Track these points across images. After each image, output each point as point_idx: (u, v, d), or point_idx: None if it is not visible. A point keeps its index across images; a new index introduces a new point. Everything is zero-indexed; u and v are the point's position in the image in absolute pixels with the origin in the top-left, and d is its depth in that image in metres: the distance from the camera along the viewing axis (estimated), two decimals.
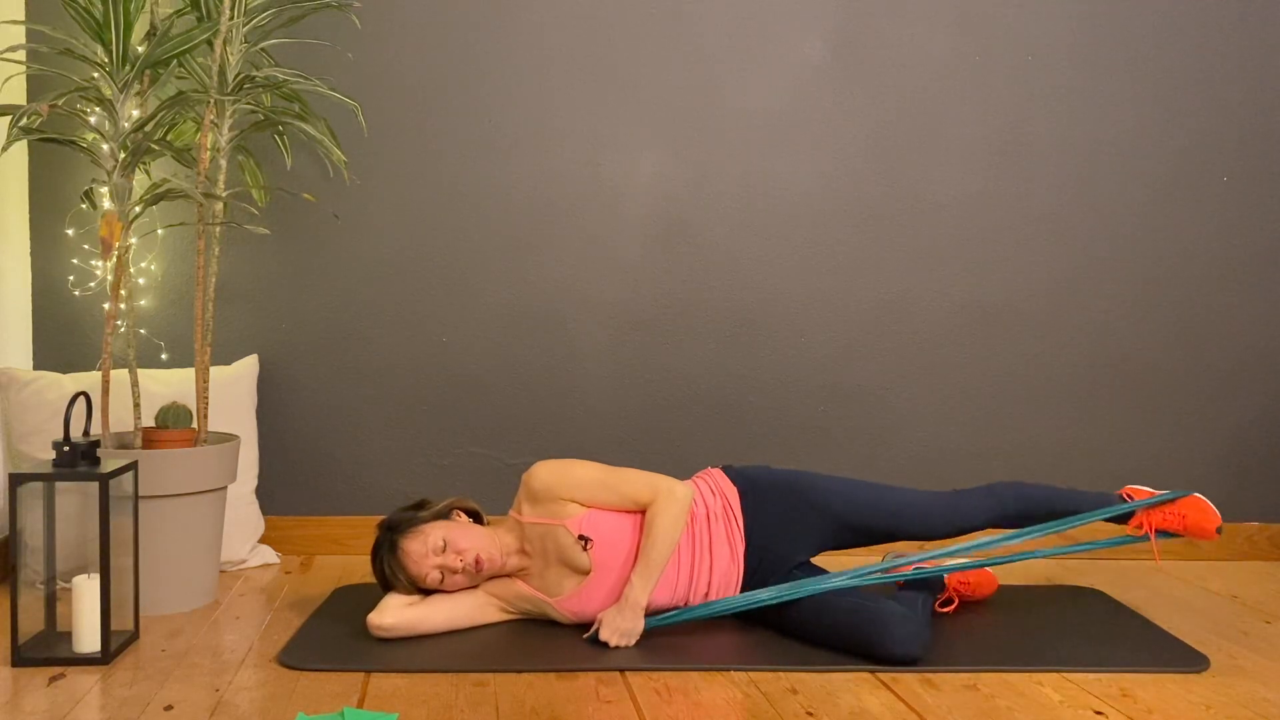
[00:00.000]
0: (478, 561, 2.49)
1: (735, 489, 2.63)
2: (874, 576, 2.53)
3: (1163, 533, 2.64)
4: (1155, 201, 3.37)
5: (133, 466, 2.52)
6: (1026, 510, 2.67)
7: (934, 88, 3.32)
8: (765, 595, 2.51)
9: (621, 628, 2.45)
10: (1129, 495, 2.69)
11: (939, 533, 2.65)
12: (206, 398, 2.85)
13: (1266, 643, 2.58)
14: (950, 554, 2.61)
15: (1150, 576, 3.09)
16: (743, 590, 2.59)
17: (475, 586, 2.58)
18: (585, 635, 2.50)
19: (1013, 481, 2.76)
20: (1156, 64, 3.35)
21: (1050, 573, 3.15)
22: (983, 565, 2.68)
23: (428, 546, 2.49)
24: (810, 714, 2.11)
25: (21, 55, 3.03)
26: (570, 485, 2.54)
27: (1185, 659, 2.42)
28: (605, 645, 2.44)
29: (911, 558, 2.63)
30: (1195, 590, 3.01)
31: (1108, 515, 2.65)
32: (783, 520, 2.60)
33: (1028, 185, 3.35)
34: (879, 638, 2.36)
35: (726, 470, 2.69)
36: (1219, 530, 2.60)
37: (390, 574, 2.52)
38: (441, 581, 2.50)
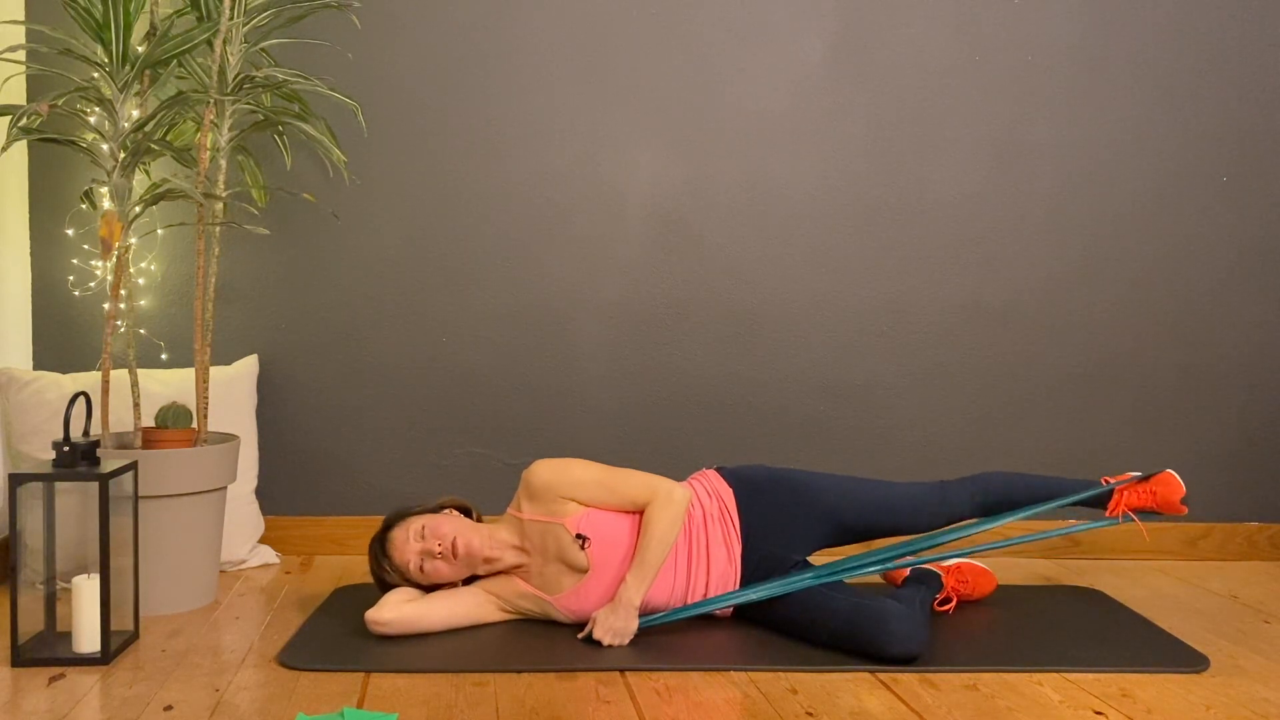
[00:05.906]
0: (454, 545, 2.50)
1: (731, 490, 2.64)
2: (868, 569, 2.60)
3: (1138, 511, 2.70)
4: (1154, 202, 3.37)
5: (133, 466, 2.52)
6: (1009, 497, 2.72)
7: (934, 88, 3.32)
8: (756, 592, 2.53)
9: (614, 627, 2.46)
10: (1108, 483, 2.75)
11: (931, 524, 2.69)
12: (206, 398, 2.85)
13: (1266, 643, 2.58)
14: (936, 543, 2.67)
15: (1150, 576, 3.09)
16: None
17: (466, 583, 2.60)
18: (580, 635, 2.50)
19: (995, 471, 2.83)
20: (1156, 64, 3.35)
21: (1050, 573, 3.15)
22: (971, 553, 2.72)
23: (409, 533, 2.53)
24: (810, 714, 2.11)
25: (21, 55, 3.03)
26: (569, 484, 2.55)
27: (1185, 659, 2.41)
28: (599, 644, 2.45)
29: (895, 549, 2.66)
30: (1195, 590, 3.01)
31: (1085, 497, 2.72)
32: (779, 520, 2.60)
33: (1028, 185, 3.35)
34: (878, 636, 2.36)
35: (721, 471, 2.69)
36: (1184, 501, 2.67)
37: (379, 565, 2.56)
38: (423, 569, 2.52)
